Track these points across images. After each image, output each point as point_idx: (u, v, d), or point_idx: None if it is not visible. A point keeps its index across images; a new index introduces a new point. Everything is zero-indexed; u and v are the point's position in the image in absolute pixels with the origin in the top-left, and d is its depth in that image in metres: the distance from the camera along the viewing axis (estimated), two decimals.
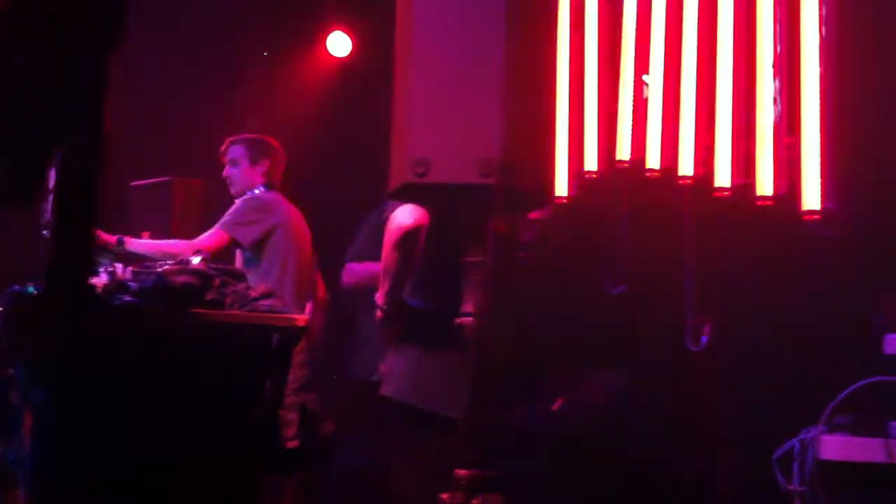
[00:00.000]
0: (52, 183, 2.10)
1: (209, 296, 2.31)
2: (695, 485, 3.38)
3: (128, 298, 2.26)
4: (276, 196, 3.83)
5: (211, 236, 3.63)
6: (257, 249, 3.67)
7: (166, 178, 3.93)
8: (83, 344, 1.42)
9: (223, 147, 3.90)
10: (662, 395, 3.50)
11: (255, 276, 3.51)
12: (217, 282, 2.33)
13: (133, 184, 3.99)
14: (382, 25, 2.00)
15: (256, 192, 3.82)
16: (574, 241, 3.91)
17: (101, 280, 2.32)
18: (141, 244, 3.56)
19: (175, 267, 2.34)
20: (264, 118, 5.24)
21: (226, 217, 3.68)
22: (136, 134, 4.63)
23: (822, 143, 3.15)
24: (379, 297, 2.63)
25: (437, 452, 2.43)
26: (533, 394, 3.61)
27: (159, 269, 2.32)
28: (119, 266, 2.40)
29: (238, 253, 3.77)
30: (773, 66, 3.25)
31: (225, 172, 3.87)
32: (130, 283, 2.33)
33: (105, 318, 2.17)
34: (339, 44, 5.22)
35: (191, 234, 3.81)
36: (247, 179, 3.82)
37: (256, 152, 3.86)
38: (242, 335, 2.33)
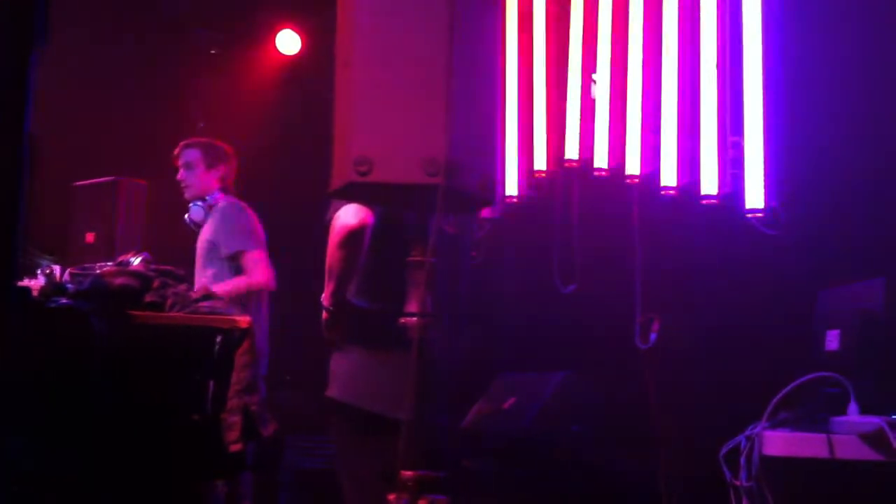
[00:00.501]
0: None
1: (148, 297, 2.27)
2: (644, 482, 3.41)
3: (64, 301, 2.21)
4: (242, 202, 3.82)
5: (256, 262, 3.62)
6: (233, 257, 3.64)
7: (110, 179, 3.85)
8: (14, 347, 1.38)
9: (176, 150, 3.87)
10: (612, 393, 3.52)
11: (210, 281, 3.49)
12: (156, 283, 2.29)
13: (76, 184, 3.90)
14: (332, 23, 1.99)
15: (217, 196, 3.80)
16: (524, 240, 3.93)
17: (37, 282, 2.27)
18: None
19: (113, 269, 2.29)
20: (213, 117, 5.18)
21: (229, 234, 3.63)
22: (79, 134, 4.54)
23: (765, 143, 3.20)
24: (324, 298, 2.60)
25: (381, 454, 2.41)
26: (482, 393, 3.60)
27: (97, 271, 2.27)
28: (56, 268, 2.34)
29: (202, 257, 3.72)
30: (717, 67, 3.29)
31: (179, 176, 3.85)
32: (68, 286, 2.28)
33: (40, 320, 2.12)
34: (288, 42, 5.18)
35: (135, 236, 3.74)
36: (203, 184, 3.82)
37: (212, 157, 3.86)
38: (183, 337, 2.29)
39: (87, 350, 2.14)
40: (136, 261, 2.34)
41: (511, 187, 3.74)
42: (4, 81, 1.15)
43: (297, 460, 4.32)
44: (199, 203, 3.82)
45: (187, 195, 3.83)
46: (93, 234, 3.68)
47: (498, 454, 3.40)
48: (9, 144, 1.20)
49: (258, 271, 3.61)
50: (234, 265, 3.67)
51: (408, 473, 1.94)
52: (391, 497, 1.95)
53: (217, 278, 3.64)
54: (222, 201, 3.83)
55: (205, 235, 3.78)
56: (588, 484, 3.32)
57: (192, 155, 3.83)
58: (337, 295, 2.56)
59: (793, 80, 3.27)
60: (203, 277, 3.65)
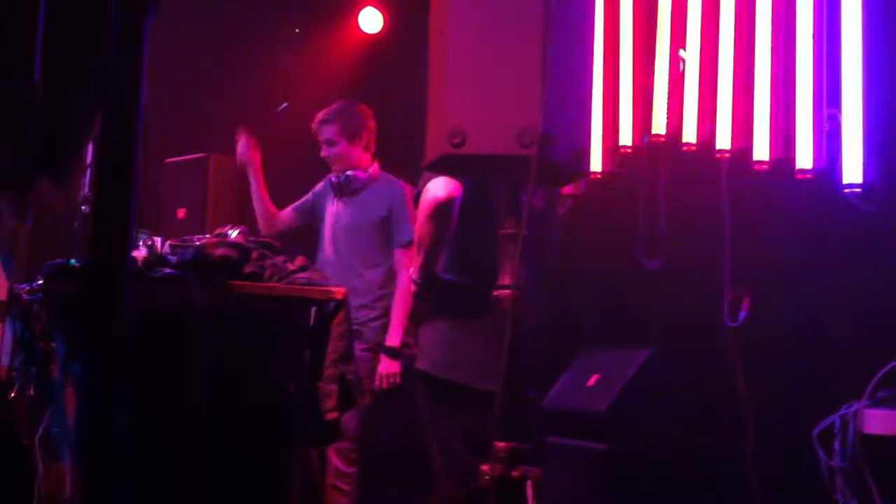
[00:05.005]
0: (90, 157, 2.11)
1: (247, 268, 2.32)
2: (731, 463, 3.35)
3: (167, 271, 2.27)
4: None
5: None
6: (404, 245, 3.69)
7: (201, 156, 3.93)
8: (124, 317, 1.42)
9: (314, 125, 3.84)
10: (698, 372, 3.47)
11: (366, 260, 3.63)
12: (255, 254, 2.34)
13: (168, 161, 4.00)
14: (414, 1, 1.99)
15: (372, 165, 3.79)
16: (608, 216, 3.88)
17: (140, 253, 2.34)
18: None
19: (213, 239, 2.35)
20: (295, 95, 5.24)
21: (405, 221, 3.62)
22: (170, 110, 4.65)
23: (864, 115, 3.09)
24: (413, 271, 2.62)
25: (467, 423, 2.44)
26: (568, 369, 3.59)
27: (198, 242, 2.33)
28: (158, 239, 2.41)
29: (354, 228, 3.72)
30: (814, 34, 3.18)
31: (323, 153, 3.82)
32: (169, 257, 2.35)
33: (144, 290, 2.19)
34: (370, 20, 5.20)
35: (226, 213, 3.82)
36: (350, 157, 3.76)
37: (353, 127, 3.80)
38: (281, 307, 2.34)
39: (189, 319, 2.20)
40: (234, 233, 2.39)
41: (595, 163, 3.70)
42: (123, 53, 1.19)
43: (378, 433, 4.38)
44: (352, 172, 3.74)
45: (336, 169, 3.78)
46: (184, 209, 3.77)
47: (581, 431, 3.38)
48: (126, 116, 1.24)
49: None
50: (389, 250, 3.66)
51: (500, 444, 1.95)
52: (484, 467, 1.96)
53: (373, 253, 3.65)
54: (385, 176, 3.76)
55: (370, 209, 3.71)
56: (673, 463, 3.29)
57: (330, 131, 3.76)
58: (426, 268, 2.58)
59: (892, 48, 3.15)
60: (356, 253, 3.67)
